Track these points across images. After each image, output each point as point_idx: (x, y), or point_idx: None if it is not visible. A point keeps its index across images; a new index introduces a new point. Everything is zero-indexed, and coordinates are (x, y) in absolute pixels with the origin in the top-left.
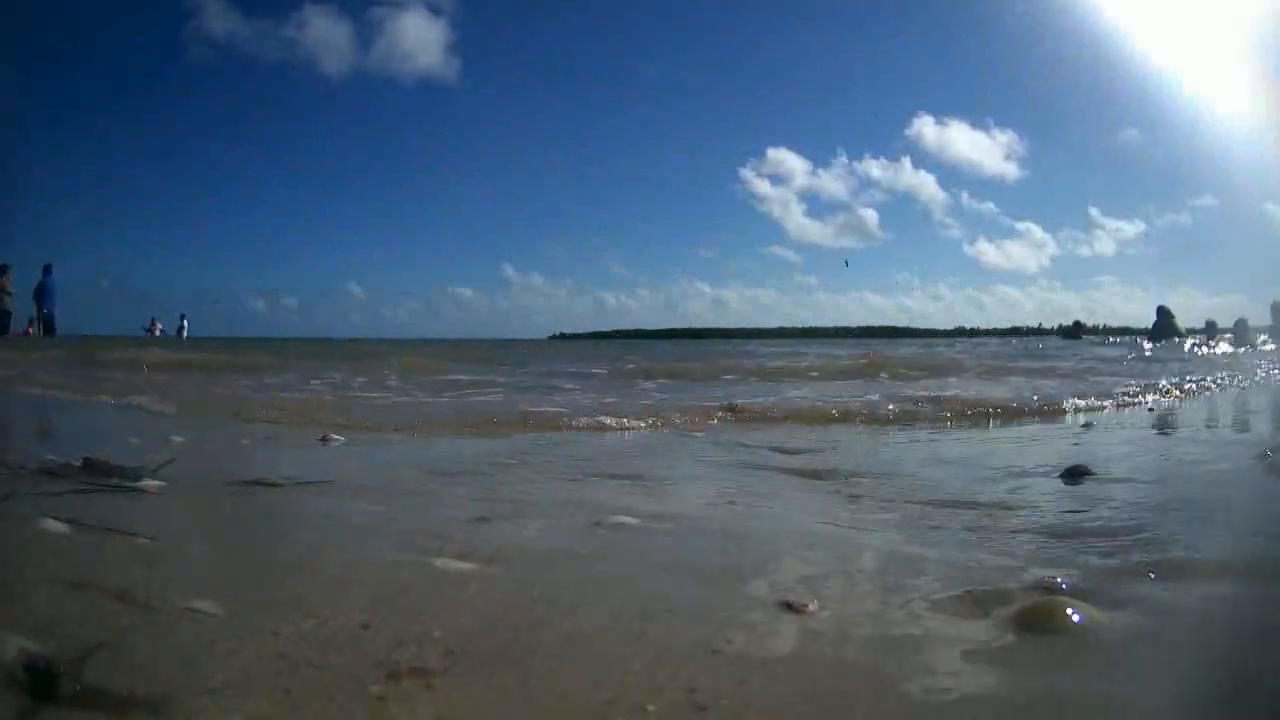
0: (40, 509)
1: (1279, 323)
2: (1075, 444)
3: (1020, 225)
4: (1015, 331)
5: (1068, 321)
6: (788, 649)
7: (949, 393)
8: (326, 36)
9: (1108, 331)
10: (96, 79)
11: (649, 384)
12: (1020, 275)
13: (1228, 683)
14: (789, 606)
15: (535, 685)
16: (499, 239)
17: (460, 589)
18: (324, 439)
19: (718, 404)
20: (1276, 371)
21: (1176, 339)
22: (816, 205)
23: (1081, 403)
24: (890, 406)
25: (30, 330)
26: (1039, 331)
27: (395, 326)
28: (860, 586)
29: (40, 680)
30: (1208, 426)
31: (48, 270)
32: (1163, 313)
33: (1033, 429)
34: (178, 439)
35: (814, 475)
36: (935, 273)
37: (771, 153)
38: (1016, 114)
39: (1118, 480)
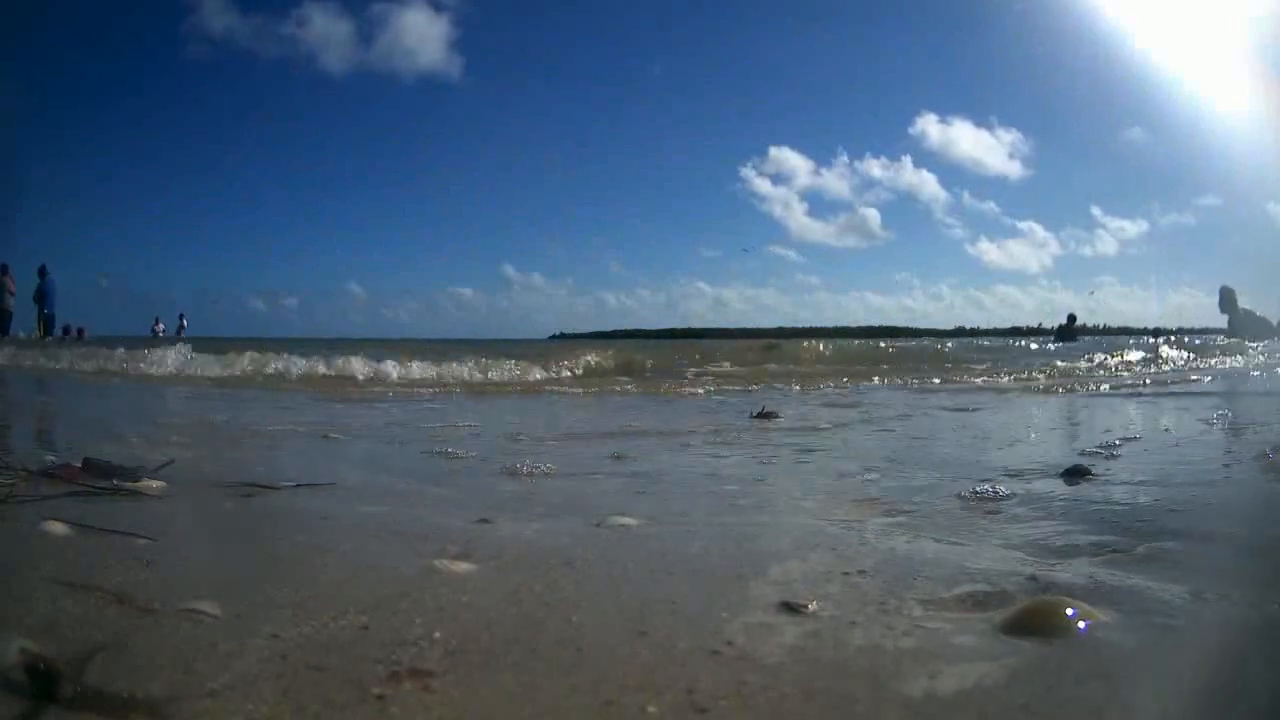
0: (40, 510)
1: (1234, 315)
2: None
3: (1022, 225)
4: (1015, 331)
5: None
6: (788, 649)
7: None
8: (327, 33)
9: (1108, 332)
10: (94, 77)
11: None
12: (1022, 275)
13: (1228, 684)
14: (789, 606)
15: (536, 686)
16: (499, 239)
17: (460, 590)
18: (325, 437)
19: None
20: None
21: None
22: (818, 205)
23: None
24: None
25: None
26: (1039, 331)
27: (396, 326)
28: (860, 586)
29: (41, 682)
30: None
31: (43, 272)
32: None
33: None
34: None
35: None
36: (936, 272)
37: (773, 151)
38: (1019, 113)
39: (1117, 482)
